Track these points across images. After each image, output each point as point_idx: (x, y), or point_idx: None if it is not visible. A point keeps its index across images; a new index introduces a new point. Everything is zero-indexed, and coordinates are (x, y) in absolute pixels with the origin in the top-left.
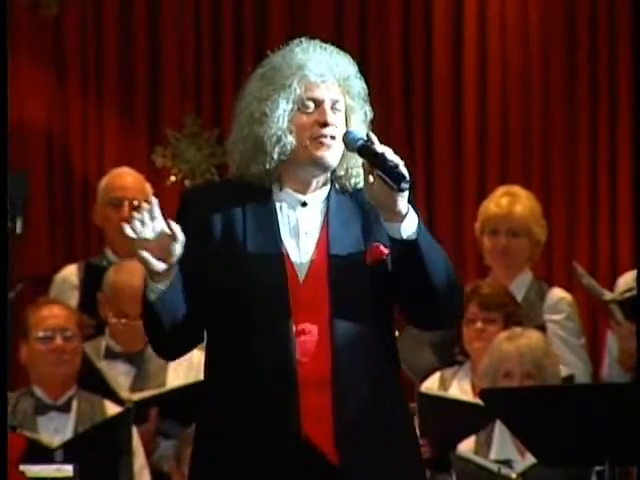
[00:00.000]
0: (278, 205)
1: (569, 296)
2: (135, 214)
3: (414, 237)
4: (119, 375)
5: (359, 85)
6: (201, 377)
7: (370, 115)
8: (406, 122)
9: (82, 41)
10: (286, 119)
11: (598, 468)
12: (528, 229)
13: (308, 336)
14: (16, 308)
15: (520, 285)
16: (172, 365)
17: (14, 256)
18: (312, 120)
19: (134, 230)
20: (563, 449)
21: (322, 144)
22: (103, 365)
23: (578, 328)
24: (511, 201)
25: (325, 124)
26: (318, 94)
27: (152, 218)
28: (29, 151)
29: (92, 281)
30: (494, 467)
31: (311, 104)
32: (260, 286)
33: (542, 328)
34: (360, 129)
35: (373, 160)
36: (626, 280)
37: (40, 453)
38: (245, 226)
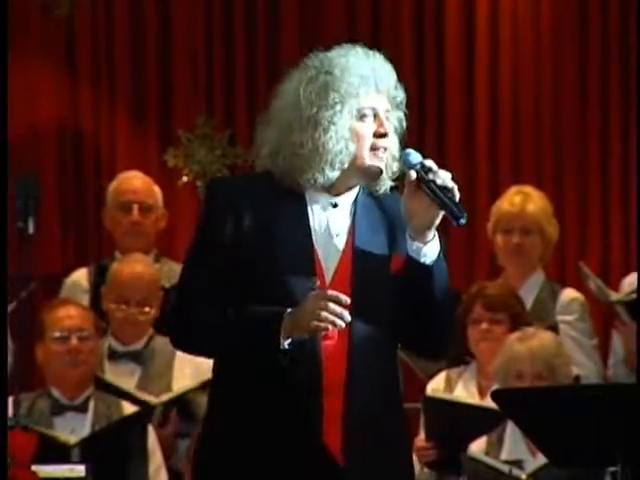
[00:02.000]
0: (310, 206)
1: (581, 296)
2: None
3: (430, 263)
4: (124, 375)
5: (400, 94)
6: (207, 375)
7: (405, 124)
8: (418, 122)
9: (94, 42)
10: (347, 128)
11: (612, 469)
12: (541, 227)
13: (331, 339)
14: (30, 307)
15: (532, 286)
16: (177, 364)
17: (26, 256)
18: (370, 130)
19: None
20: (575, 449)
21: (377, 156)
22: (108, 367)
23: (590, 329)
24: (524, 199)
25: (383, 135)
26: (376, 104)
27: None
28: (41, 151)
29: (101, 283)
30: (505, 468)
31: (370, 113)
32: (290, 288)
33: (554, 329)
34: (393, 137)
35: (433, 189)
36: (631, 281)
37: (57, 451)
38: (277, 227)
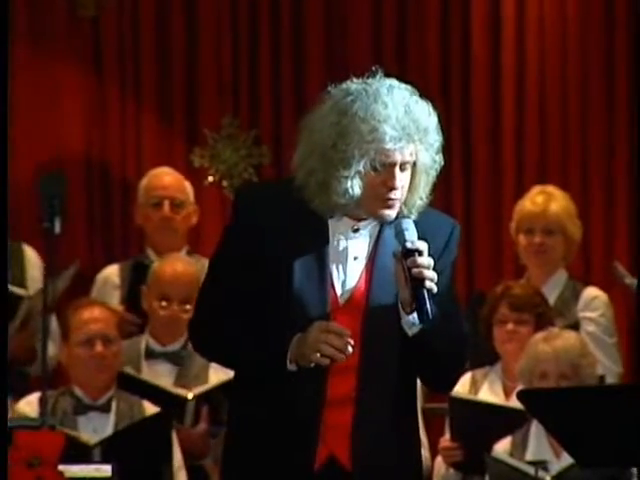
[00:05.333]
0: (331, 230)
1: (604, 295)
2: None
3: (413, 334)
4: (161, 375)
5: (434, 138)
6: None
7: (439, 165)
8: (444, 124)
9: (120, 42)
10: (357, 176)
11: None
12: (563, 227)
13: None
14: (59, 308)
15: (555, 284)
16: (213, 366)
17: (52, 256)
18: (380, 180)
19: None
20: (601, 450)
21: (386, 205)
22: (144, 366)
23: (611, 327)
24: (546, 199)
25: (392, 188)
26: (391, 159)
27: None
28: (68, 151)
29: (136, 279)
30: (530, 469)
31: (384, 165)
32: (303, 310)
33: (576, 327)
34: (423, 180)
35: (409, 274)
36: None
37: (78, 451)
38: (295, 246)
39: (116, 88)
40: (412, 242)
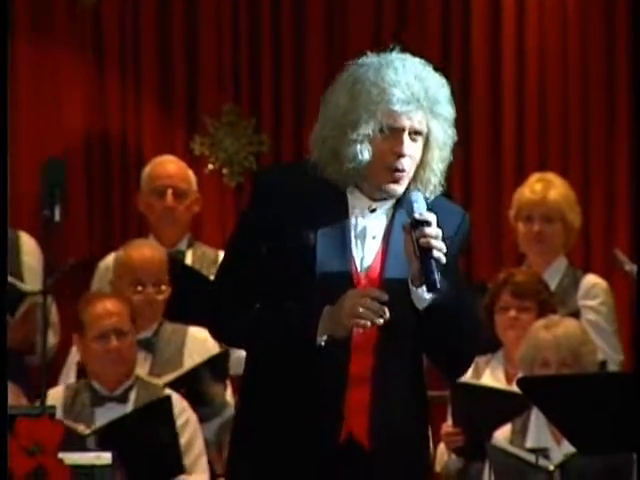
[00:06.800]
0: (350, 209)
1: (604, 282)
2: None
3: (421, 306)
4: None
5: (447, 110)
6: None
7: (452, 139)
8: None
9: (120, 30)
10: (365, 140)
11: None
12: (562, 214)
13: (360, 334)
14: (58, 295)
15: (555, 272)
16: (187, 350)
17: (52, 244)
18: (388, 147)
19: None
20: (601, 437)
21: (393, 178)
22: None
23: (611, 315)
24: (545, 186)
25: (400, 155)
26: (399, 124)
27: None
28: (68, 140)
29: None
30: (531, 458)
31: (394, 131)
32: (326, 288)
33: (576, 314)
34: (436, 155)
35: (417, 245)
36: None
37: (72, 441)
38: (316, 227)
39: (116, 76)
40: (420, 214)
